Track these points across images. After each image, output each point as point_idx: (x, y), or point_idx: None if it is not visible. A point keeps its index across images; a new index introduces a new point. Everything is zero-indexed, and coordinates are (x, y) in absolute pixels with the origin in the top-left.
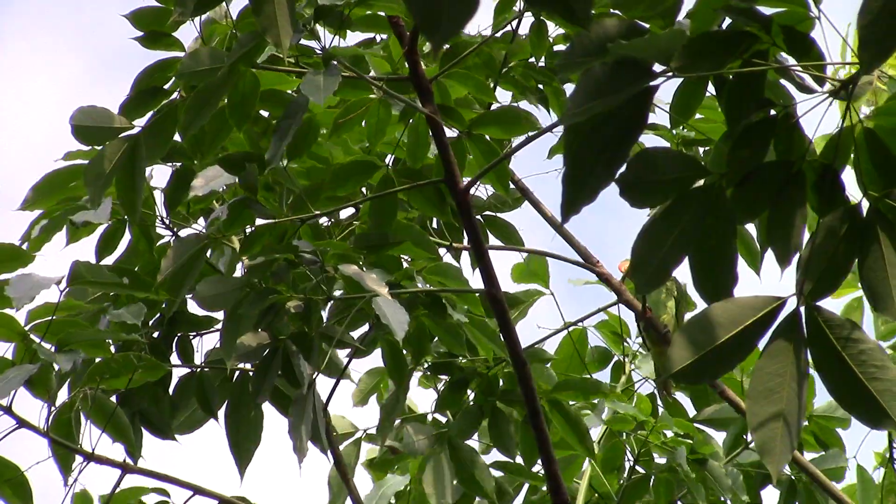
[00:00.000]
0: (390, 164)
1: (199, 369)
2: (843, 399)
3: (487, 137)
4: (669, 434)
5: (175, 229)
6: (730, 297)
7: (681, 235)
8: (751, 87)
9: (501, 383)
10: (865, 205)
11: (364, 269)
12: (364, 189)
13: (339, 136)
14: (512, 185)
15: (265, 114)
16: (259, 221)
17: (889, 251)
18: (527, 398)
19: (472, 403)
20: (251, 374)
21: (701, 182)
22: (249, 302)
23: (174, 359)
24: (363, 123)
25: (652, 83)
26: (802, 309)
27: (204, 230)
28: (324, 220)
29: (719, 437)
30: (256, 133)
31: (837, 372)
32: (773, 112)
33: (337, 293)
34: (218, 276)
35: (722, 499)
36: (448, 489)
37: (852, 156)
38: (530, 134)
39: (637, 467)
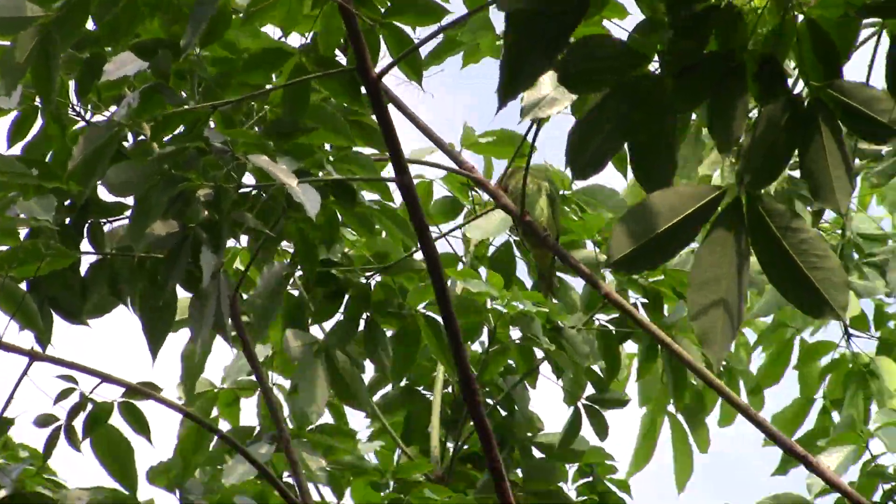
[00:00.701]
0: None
1: (109, 256)
2: (783, 288)
3: (400, 26)
4: (522, 307)
5: (87, 115)
6: (669, 187)
7: (619, 123)
8: None
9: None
10: (806, 95)
11: (276, 157)
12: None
13: (252, 25)
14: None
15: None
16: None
17: (830, 142)
18: (435, 285)
19: (345, 314)
20: (162, 260)
21: (640, 71)
22: (159, 189)
23: (85, 245)
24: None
25: None
26: (743, 198)
27: (115, 117)
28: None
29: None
30: (168, 20)
31: (778, 261)
32: (714, 1)
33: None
34: (128, 163)
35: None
36: (321, 398)
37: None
38: (443, 24)
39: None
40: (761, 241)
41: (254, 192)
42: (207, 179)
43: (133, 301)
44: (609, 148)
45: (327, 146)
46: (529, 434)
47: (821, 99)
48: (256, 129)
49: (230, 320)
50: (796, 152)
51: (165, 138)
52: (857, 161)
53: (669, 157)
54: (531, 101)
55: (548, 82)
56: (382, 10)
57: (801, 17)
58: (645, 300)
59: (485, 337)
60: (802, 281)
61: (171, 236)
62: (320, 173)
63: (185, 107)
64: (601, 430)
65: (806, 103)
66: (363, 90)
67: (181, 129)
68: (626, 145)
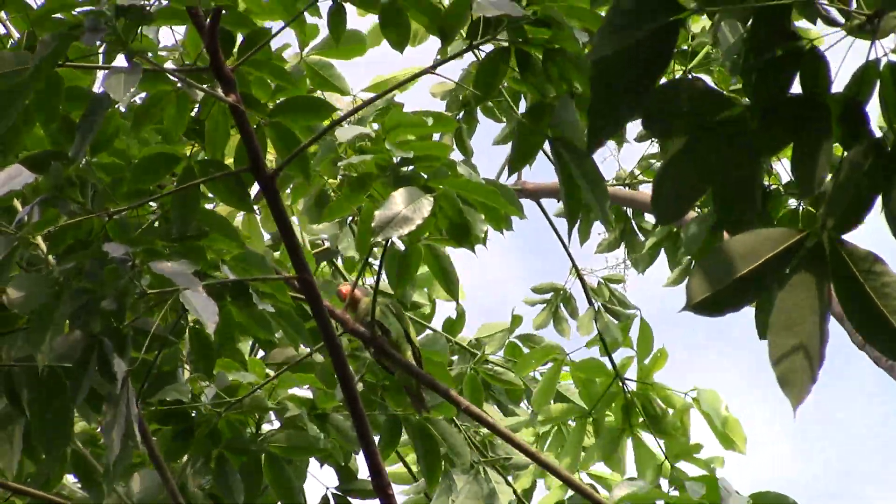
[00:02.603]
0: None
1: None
2: (864, 330)
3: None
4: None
5: None
6: (750, 230)
7: (703, 167)
8: (776, 20)
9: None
10: (890, 139)
11: (170, 261)
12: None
13: (140, 131)
14: None
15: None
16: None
17: None
18: (343, 384)
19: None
20: (64, 372)
21: (724, 114)
22: (64, 301)
23: None
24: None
25: (678, 16)
26: (826, 241)
27: (12, 230)
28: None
29: None
30: (56, 131)
31: (860, 305)
32: (798, 45)
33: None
34: (27, 276)
35: None
36: None
37: (877, 90)
38: (365, 101)
39: None
40: (844, 285)
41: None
42: (108, 289)
43: (31, 414)
44: (693, 191)
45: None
46: None
47: None
48: (150, 236)
49: (137, 427)
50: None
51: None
52: None
53: (752, 200)
54: (383, 219)
55: (400, 200)
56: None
57: (884, 60)
58: None
59: None
60: (883, 324)
61: (77, 347)
62: (216, 275)
63: (80, 217)
64: None
65: (890, 147)
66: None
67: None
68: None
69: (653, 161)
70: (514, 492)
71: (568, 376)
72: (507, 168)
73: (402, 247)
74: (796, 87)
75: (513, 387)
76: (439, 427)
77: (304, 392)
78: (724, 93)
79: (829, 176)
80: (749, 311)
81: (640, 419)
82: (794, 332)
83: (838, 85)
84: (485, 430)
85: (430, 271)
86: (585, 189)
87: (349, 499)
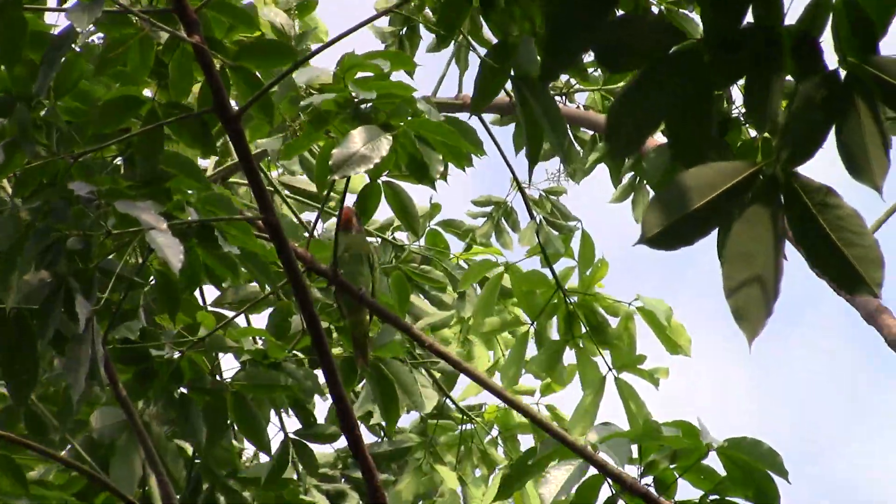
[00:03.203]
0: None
1: None
2: (819, 264)
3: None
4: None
5: None
6: (705, 163)
7: (657, 101)
8: None
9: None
10: (843, 72)
11: (137, 202)
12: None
13: (104, 73)
14: None
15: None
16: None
17: (867, 118)
18: (310, 325)
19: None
20: (30, 313)
21: (678, 47)
22: (30, 241)
23: None
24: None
25: None
26: (780, 174)
27: None
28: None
29: None
30: (23, 75)
31: (814, 237)
32: None
33: None
34: None
35: None
36: (135, 475)
37: (830, 22)
38: (320, 46)
39: None
40: (798, 217)
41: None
42: (74, 229)
43: None
44: (647, 125)
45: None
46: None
47: (857, 75)
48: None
49: (102, 367)
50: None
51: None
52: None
53: (706, 134)
54: (340, 157)
55: (358, 139)
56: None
57: None
58: None
59: None
60: (838, 257)
61: (43, 287)
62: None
63: (46, 159)
64: (308, 464)
65: (843, 80)
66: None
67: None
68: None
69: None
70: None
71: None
72: (456, 91)
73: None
74: (750, 20)
75: (439, 284)
76: (392, 367)
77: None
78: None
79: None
80: None
81: (583, 330)
82: (749, 265)
83: (791, 17)
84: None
85: (391, 207)
86: (547, 129)
87: (307, 443)
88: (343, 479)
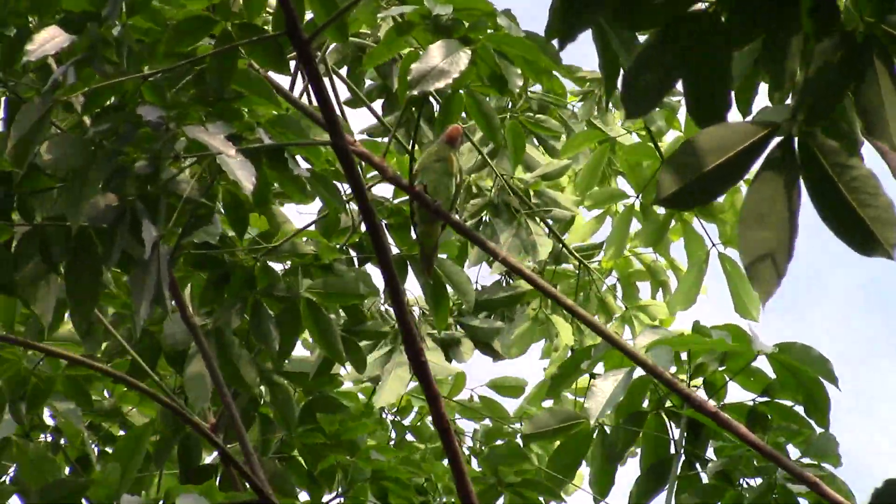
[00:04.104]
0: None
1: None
2: (834, 225)
3: None
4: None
5: (10, 83)
6: (722, 123)
7: (674, 59)
8: None
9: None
10: (860, 32)
11: (206, 124)
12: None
13: None
14: None
15: None
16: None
17: (884, 78)
18: (377, 248)
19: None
20: (96, 233)
21: (696, 6)
22: (97, 164)
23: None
24: None
25: None
26: (796, 135)
27: (46, 90)
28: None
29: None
30: None
31: (830, 198)
32: None
33: None
34: (61, 137)
35: None
36: (208, 389)
37: None
38: None
39: None
40: (814, 178)
41: (186, 162)
42: (143, 152)
43: (64, 272)
44: (664, 84)
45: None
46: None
47: (875, 34)
48: (185, 98)
49: (167, 291)
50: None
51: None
52: None
53: (723, 94)
54: (419, 72)
55: (437, 53)
56: None
57: None
58: None
59: None
60: (853, 218)
61: (110, 210)
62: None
63: (116, 79)
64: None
65: (860, 40)
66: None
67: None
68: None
69: None
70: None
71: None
72: None
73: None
74: None
75: (554, 133)
76: (445, 266)
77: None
78: None
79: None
80: None
81: None
82: (765, 225)
83: None
84: (529, 178)
85: (471, 116)
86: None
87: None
88: (458, 326)
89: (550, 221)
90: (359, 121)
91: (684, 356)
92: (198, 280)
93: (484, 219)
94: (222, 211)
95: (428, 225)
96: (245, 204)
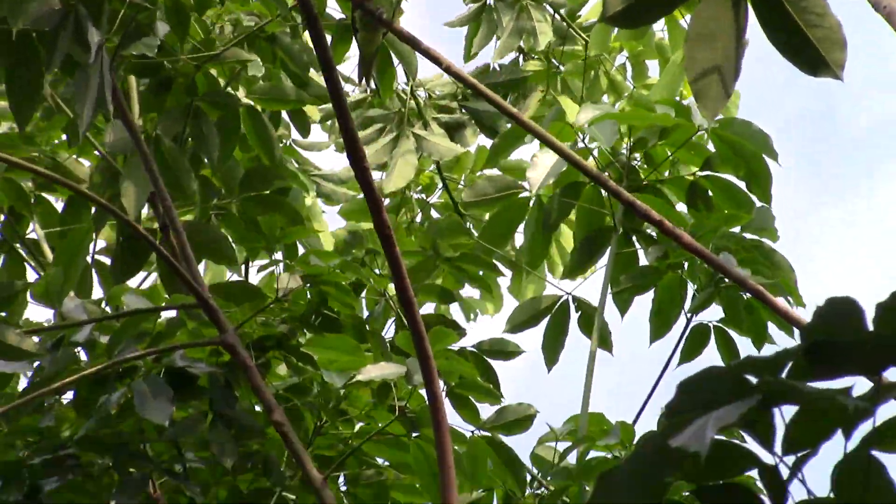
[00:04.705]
0: None
1: None
2: (781, 46)
3: None
4: None
5: None
6: None
7: None
8: None
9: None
10: None
11: None
12: None
13: None
14: None
15: None
16: None
17: None
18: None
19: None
20: (38, 37)
21: None
22: None
23: None
24: None
25: None
26: None
27: None
28: None
29: None
30: None
31: (777, 19)
32: None
33: None
34: None
35: None
36: (143, 195)
37: None
38: None
39: None
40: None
41: None
42: None
43: (5, 76)
44: None
45: None
46: None
47: None
48: None
49: (110, 95)
50: None
51: None
52: None
53: None
54: None
55: None
56: None
57: None
58: None
59: None
60: (801, 38)
61: (53, 14)
62: None
63: None
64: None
65: None
66: None
67: None
68: None
69: None
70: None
71: None
72: None
73: None
74: None
75: None
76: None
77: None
78: None
79: None
80: None
81: None
82: (711, 45)
83: None
84: None
85: None
86: None
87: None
88: (462, 110)
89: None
90: None
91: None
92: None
93: (488, 2)
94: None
95: (370, 33)
96: (186, 7)
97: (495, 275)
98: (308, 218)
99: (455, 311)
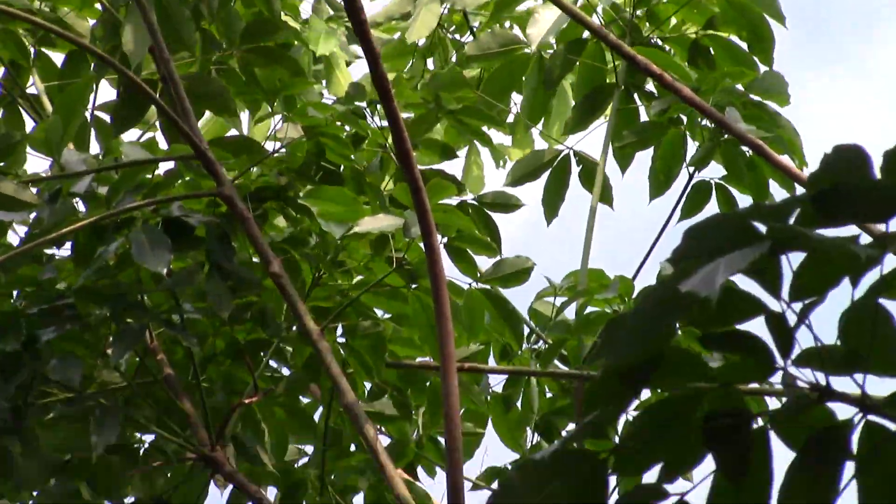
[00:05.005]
0: None
1: None
2: None
3: None
4: None
5: None
6: None
7: None
8: None
9: None
10: None
11: None
12: None
13: None
14: None
15: None
16: None
17: None
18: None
19: None
20: None
21: None
22: None
23: None
24: None
25: None
26: None
27: None
28: None
29: None
30: None
31: None
32: None
33: None
34: None
35: None
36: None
37: None
38: None
39: None
40: None
41: None
42: None
43: None
44: None
45: None
46: None
47: None
48: None
49: None
50: None
51: None
52: None
53: None
54: None
55: None
56: None
57: None
58: None
59: None
60: None
61: None
62: None
63: None
64: None
65: None
66: None
67: None
68: None
69: None
70: None
71: None
72: None
73: None
74: None
75: None
76: None
77: None
78: None
79: None
80: None
81: None
82: None
83: None
84: None
85: None
86: None
87: None
88: None
89: None
90: None
91: None
92: None
93: None
94: None
95: None
96: None
97: (499, 129)
98: (331, 66)
99: (486, 157)
